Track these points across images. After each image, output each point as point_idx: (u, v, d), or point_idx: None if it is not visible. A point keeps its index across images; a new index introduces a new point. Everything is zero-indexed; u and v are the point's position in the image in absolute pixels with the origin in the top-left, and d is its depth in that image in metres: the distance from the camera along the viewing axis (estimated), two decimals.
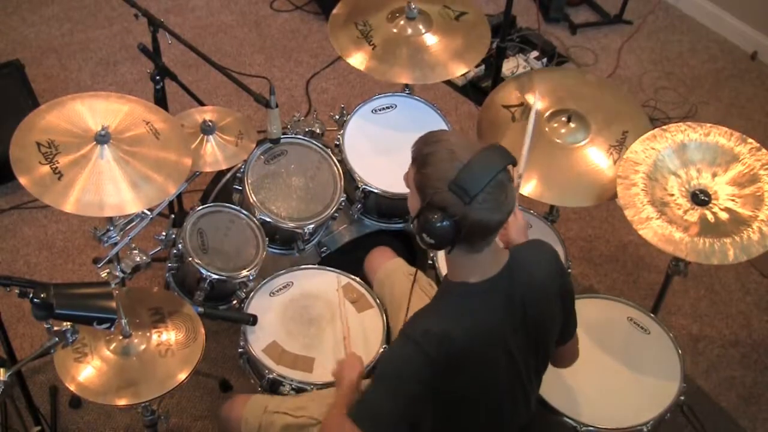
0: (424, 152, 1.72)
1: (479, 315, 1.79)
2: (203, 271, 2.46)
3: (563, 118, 2.63)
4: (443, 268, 2.56)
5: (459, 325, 1.76)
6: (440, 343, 1.74)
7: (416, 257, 2.85)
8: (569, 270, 2.63)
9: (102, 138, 2.17)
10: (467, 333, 1.77)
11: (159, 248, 2.49)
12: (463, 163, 1.66)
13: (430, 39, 2.79)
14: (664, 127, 2.48)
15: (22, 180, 2.06)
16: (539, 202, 2.58)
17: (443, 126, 2.84)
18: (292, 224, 2.60)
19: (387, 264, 2.59)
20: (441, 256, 2.60)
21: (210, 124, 2.61)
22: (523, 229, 2.14)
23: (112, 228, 2.30)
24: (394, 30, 2.79)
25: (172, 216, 2.90)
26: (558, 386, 2.25)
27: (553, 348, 1.99)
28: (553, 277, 1.91)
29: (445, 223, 1.68)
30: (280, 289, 2.52)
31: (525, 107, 2.68)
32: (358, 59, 2.73)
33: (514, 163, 1.74)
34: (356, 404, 1.82)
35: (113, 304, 1.86)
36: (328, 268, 2.59)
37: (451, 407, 1.85)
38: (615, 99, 2.77)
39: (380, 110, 2.86)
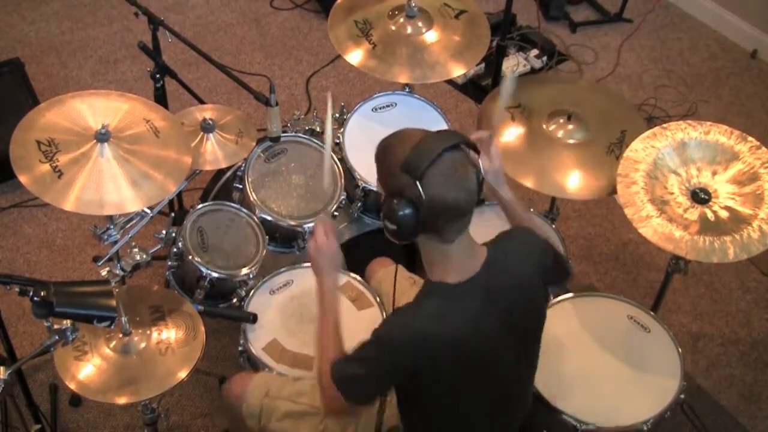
0: (380, 146, 1.79)
1: (458, 317, 1.77)
2: (203, 269, 2.46)
3: (561, 119, 2.63)
4: None
5: (436, 328, 1.75)
6: (415, 346, 1.74)
7: (416, 258, 2.85)
8: None
9: (102, 136, 2.17)
10: (445, 335, 1.75)
11: (159, 246, 2.49)
12: (413, 143, 1.71)
13: (430, 38, 2.78)
14: (664, 125, 2.48)
15: (22, 178, 2.06)
16: (539, 200, 2.58)
17: (443, 124, 2.84)
18: (292, 222, 2.60)
19: (387, 268, 2.59)
20: None
21: (210, 122, 2.61)
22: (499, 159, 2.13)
23: (112, 226, 2.30)
24: (394, 28, 2.79)
25: (172, 214, 2.91)
26: (558, 384, 2.25)
27: (540, 336, 1.98)
28: (533, 264, 1.90)
29: (405, 208, 1.70)
30: (281, 288, 2.52)
31: (524, 108, 2.68)
32: (357, 57, 2.72)
33: (473, 146, 1.76)
34: (339, 369, 1.83)
35: (113, 302, 1.86)
36: None
37: (440, 405, 1.85)
38: (609, 101, 2.78)
39: (380, 109, 2.86)
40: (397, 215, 1.71)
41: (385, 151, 1.78)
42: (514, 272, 1.85)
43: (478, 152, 1.78)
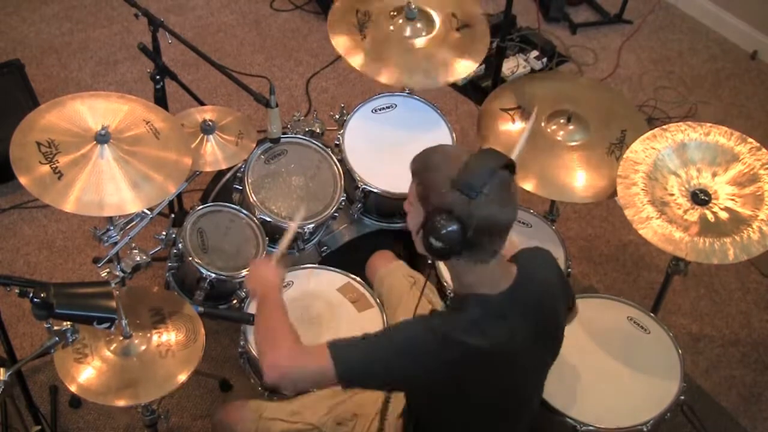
0: (422, 161, 1.75)
1: (497, 327, 1.77)
2: (203, 270, 2.46)
3: (562, 120, 2.63)
4: (443, 269, 2.56)
5: (480, 339, 1.73)
6: (458, 351, 1.72)
7: (416, 257, 2.85)
8: (569, 269, 2.64)
9: (102, 137, 2.17)
10: (487, 346, 1.74)
11: (159, 248, 2.49)
12: (463, 161, 1.68)
13: (426, 43, 2.78)
14: (664, 126, 2.48)
15: (22, 179, 2.06)
16: (539, 201, 2.58)
17: (443, 125, 2.84)
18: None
19: (388, 265, 2.59)
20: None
21: (210, 123, 2.62)
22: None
23: (112, 227, 2.30)
24: (392, 28, 2.79)
25: (172, 215, 2.91)
26: (558, 386, 2.25)
27: (559, 349, 1.99)
28: (557, 283, 1.92)
29: (452, 225, 1.67)
30: None
31: (523, 111, 2.68)
32: (348, 52, 2.73)
33: (513, 170, 1.73)
34: (344, 344, 1.77)
35: (113, 304, 1.86)
36: (328, 267, 2.59)
37: (463, 408, 1.85)
38: (610, 100, 2.78)
39: (380, 110, 2.86)
40: (443, 233, 1.68)
41: (428, 168, 1.74)
42: (543, 286, 1.87)
43: (515, 173, 1.76)
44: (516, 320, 1.79)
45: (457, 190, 1.66)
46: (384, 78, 2.72)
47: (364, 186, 2.67)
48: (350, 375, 1.75)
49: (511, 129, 2.65)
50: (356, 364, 1.75)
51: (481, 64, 3.93)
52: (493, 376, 1.81)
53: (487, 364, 1.77)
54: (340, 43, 2.74)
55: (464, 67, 2.78)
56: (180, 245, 2.49)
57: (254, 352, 2.34)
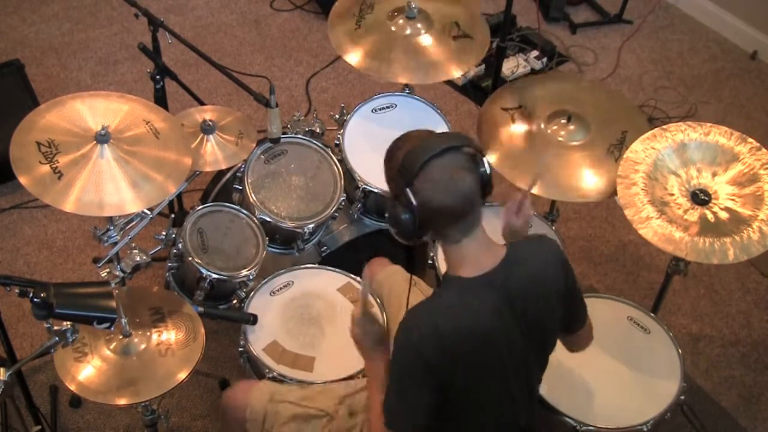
0: (387, 150, 1.81)
1: (470, 310, 1.78)
2: (203, 270, 2.46)
3: (563, 120, 2.63)
4: (443, 268, 2.56)
5: (449, 320, 1.76)
6: (432, 338, 1.74)
7: (415, 258, 2.85)
8: None
9: (102, 137, 2.17)
10: (457, 328, 1.76)
11: (159, 248, 2.49)
12: (410, 147, 1.73)
13: (424, 41, 2.78)
14: (664, 126, 2.49)
15: (22, 179, 2.06)
16: (539, 200, 2.58)
17: (443, 126, 2.84)
18: (292, 224, 2.60)
19: (385, 269, 2.59)
20: (441, 255, 2.60)
21: (210, 123, 2.62)
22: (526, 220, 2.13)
23: (112, 227, 2.30)
24: (394, 29, 2.79)
25: (172, 215, 2.91)
26: (558, 385, 2.25)
27: (554, 343, 1.98)
28: (554, 273, 1.89)
29: (403, 212, 1.72)
30: (281, 289, 2.52)
31: (524, 109, 2.68)
32: (343, 41, 2.74)
33: (477, 148, 1.75)
34: (385, 411, 1.83)
35: (113, 304, 1.87)
36: (328, 267, 2.59)
37: (452, 401, 1.85)
38: (611, 101, 2.78)
39: (380, 110, 2.86)
40: (396, 219, 1.74)
41: (389, 153, 1.80)
42: (533, 273, 1.85)
43: (483, 154, 1.77)
44: (494, 304, 1.79)
45: (400, 176, 1.71)
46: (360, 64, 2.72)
47: (364, 186, 2.67)
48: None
49: (512, 129, 2.65)
50: (407, 417, 1.81)
51: (480, 64, 3.96)
52: (473, 363, 1.80)
53: (462, 349, 1.77)
54: (338, 33, 2.74)
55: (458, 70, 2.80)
56: (180, 245, 2.49)
57: (254, 352, 2.35)
